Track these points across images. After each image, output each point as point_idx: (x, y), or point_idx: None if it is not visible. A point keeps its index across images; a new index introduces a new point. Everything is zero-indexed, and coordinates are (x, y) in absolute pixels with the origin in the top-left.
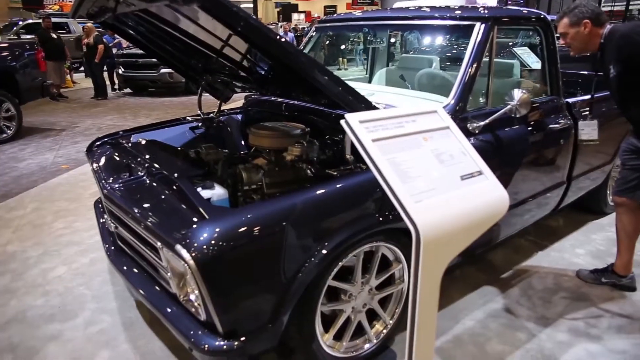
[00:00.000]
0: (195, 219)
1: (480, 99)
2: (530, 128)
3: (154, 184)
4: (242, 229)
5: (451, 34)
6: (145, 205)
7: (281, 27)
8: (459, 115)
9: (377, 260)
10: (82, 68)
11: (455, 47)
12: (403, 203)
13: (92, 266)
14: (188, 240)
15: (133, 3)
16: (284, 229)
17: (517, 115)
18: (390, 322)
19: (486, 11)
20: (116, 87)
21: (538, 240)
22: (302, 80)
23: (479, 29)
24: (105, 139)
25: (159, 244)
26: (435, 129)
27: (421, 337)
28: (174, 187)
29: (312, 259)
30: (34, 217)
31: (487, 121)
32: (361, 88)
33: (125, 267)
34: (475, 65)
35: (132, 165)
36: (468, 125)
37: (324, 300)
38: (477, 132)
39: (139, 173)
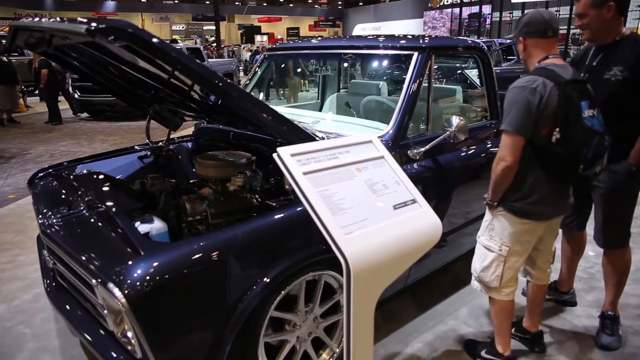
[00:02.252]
0: (129, 256)
1: (421, 125)
2: (470, 152)
3: (93, 219)
4: (177, 264)
5: (394, 62)
6: (82, 241)
7: (244, 48)
8: (399, 142)
9: (320, 288)
10: (37, 92)
11: (400, 74)
12: (332, 235)
13: (35, 302)
14: (121, 278)
15: (68, 37)
16: (221, 262)
17: (456, 141)
18: (337, 349)
19: (424, 41)
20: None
21: None
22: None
23: (417, 58)
24: (49, 170)
25: (93, 281)
26: (370, 159)
27: None
28: (112, 222)
29: (252, 291)
30: None
31: (426, 147)
32: (307, 116)
33: (63, 305)
34: (413, 93)
35: (72, 198)
36: (409, 151)
37: (269, 330)
38: (417, 158)
39: (79, 207)
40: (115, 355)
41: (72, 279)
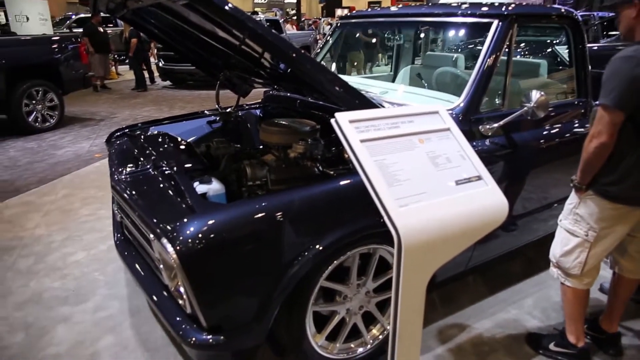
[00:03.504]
0: (184, 213)
1: (497, 99)
2: (551, 132)
3: (156, 177)
4: (230, 225)
5: (474, 32)
6: (143, 197)
7: (323, 21)
8: (471, 116)
9: (374, 262)
10: (127, 60)
11: (479, 45)
12: (386, 206)
13: (109, 253)
14: (174, 234)
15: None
16: (274, 226)
17: (534, 118)
18: (389, 326)
19: (507, 8)
20: (154, 79)
21: None
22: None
23: (496, 26)
24: (125, 130)
25: (151, 235)
26: (434, 130)
27: (403, 350)
28: (173, 181)
29: (303, 257)
30: (64, 203)
31: (500, 123)
32: (377, 86)
33: (129, 257)
34: (490, 64)
35: (141, 157)
36: (480, 127)
37: (320, 300)
38: (489, 134)
39: (146, 166)
40: (161, 300)
41: (135, 232)
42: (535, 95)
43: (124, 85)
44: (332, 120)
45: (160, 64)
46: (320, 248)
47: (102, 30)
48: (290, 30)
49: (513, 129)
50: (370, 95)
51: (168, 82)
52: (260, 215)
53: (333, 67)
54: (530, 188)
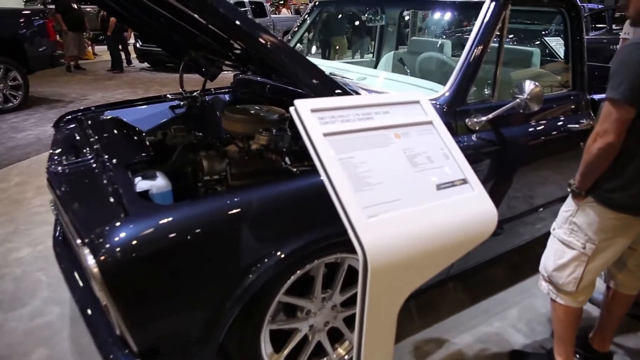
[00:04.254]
0: (115, 216)
1: (486, 90)
2: (543, 127)
3: (94, 171)
4: (169, 230)
5: (462, 12)
6: (76, 194)
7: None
8: (457, 107)
9: (342, 273)
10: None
11: (467, 33)
12: (350, 217)
13: None
14: (97, 242)
15: None
16: (225, 231)
17: (527, 112)
18: None
19: None
20: (131, 61)
21: None
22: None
23: (487, 7)
24: (78, 114)
25: (77, 240)
26: (414, 123)
27: None
28: (111, 176)
29: (258, 268)
30: (16, 192)
31: (489, 116)
32: (354, 72)
33: (64, 258)
34: (480, 50)
35: (84, 146)
36: (467, 120)
37: (281, 314)
38: (477, 128)
39: (87, 156)
40: (99, 327)
41: (68, 234)
42: (529, 86)
43: (100, 66)
44: (291, 109)
45: (138, 45)
46: (282, 256)
47: (76, 7)
48: (285, 14)
49: (503, 123)
50: (346, 81)
51: (146, 64)
52: (207, 218)
53: (313, 51)
54: (518, 189)
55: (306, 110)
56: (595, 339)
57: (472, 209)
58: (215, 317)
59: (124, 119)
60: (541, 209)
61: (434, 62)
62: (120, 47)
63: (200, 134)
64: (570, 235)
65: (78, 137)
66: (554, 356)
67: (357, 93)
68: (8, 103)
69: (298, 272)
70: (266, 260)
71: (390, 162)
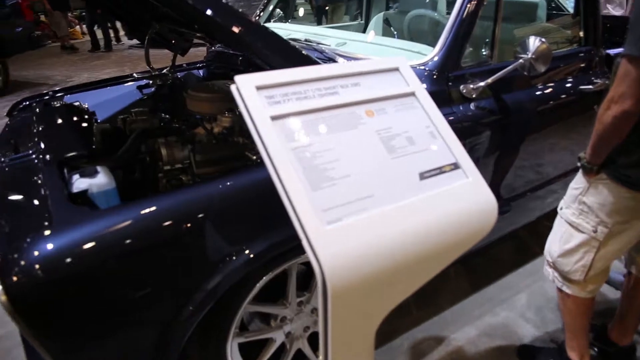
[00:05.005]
0: (36, 226)
1: (484, 50)
2: (551, 90)
3: (30, 169)
4: (103, 242)
5: None
6: (2, 197)
7: None
8: (449, 72)
9: None
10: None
11: None
12: (303, 225)
13: None
14: (7, 261)
15: None
16: (169, 240)
17: (533, 73)
18: None
19: None
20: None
21: None
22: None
23: None
24: (33, 101)
25: None
26: (390, 96)
27: None
28: (44, 174)
29: (213, 279)
30: None
31: (489, 81)
32: (334, 37)
33: None
34: (475, 3)
35: (30, 139)
36: (462, 87)
37: (255, 321)
38: (474, 95)
39: (29, 151)
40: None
41: None
42: (534, 43)
43: (88, 46)
44: (232, 87)
45: None
46: (252, 256)
47: None
48: None
49: (504, 88)
50: (323, 47)
51: (135, 41)
52: (147, 225)
53: (301, 15)
54: (525, 161)
55: (249, 88)
56: (615, 331)
57: (466, 200)
58: (167, 338)
59: (85, 104)
60: (552, 181)
61: (423, 21)
62: (109, 24)
63: (167, 116)
64: (579, 217)
65: (24, 129)
66: (566, 351)
67: (335, 61)
68: None
69: (264, 277)
70: (228, 263)
71: (360, 148)
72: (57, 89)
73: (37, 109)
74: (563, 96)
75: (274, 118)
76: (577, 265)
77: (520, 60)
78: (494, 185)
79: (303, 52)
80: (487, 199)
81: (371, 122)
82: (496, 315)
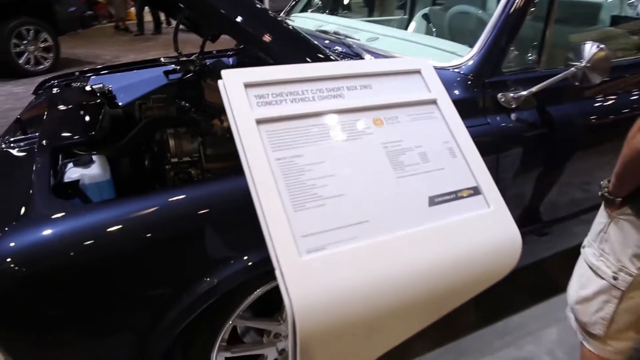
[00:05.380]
0: (11, 218)
1: (530, 54)
2: (608, 105)
3: (26, 152)
4: (69, 242)
5: None
6: None
7: None
8: (486, 78)
9: None
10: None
11: None
12: (276, 250)
13: None
14: None
15: None
16: (148, 246)
17: (586, 84)
18: None
19: None
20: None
21: None
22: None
23: None
24: (59, 81)
25: None
26: (406, 102)
27: None
28: (37, 161)
29: (196, 291)
30: None
31: (533, 89)
32: (366, 30)
33: None
34: (523, 0)
35: (39, 121)
36: (500, 95)
37: (249, 334)
38: (513, 105)
39: (35, 134)
40: None
41: None
42: (591, 49)
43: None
44: (219, 82)
45: None
46: (250, 263)
47: None
48: None
49: (551, 98)
50: (351, 42)
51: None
52: (136, 226)
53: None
54: (571, 182)
55: (236, 85)
56: None
57: (483, 234)
58: (145, 346)
59: (109, 86)
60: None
61: (466, 18)
62: None
63: (187, 105)
64: (599, 259)
65: (40, 109)
66: None
67: (361, 57)
68: (39, 65)
69: (258, 290)
70: (222, 269)
71: (360, 162)
72: (85, 69)
73: (56, 90)
74: (622, 111)
75: (260, 121)
76: (596, 317)
77: (573, 69)
78: (531, 205)
79: (314, 43)
80: (510, 233)
81: (379, 132)
82: (520, 348)
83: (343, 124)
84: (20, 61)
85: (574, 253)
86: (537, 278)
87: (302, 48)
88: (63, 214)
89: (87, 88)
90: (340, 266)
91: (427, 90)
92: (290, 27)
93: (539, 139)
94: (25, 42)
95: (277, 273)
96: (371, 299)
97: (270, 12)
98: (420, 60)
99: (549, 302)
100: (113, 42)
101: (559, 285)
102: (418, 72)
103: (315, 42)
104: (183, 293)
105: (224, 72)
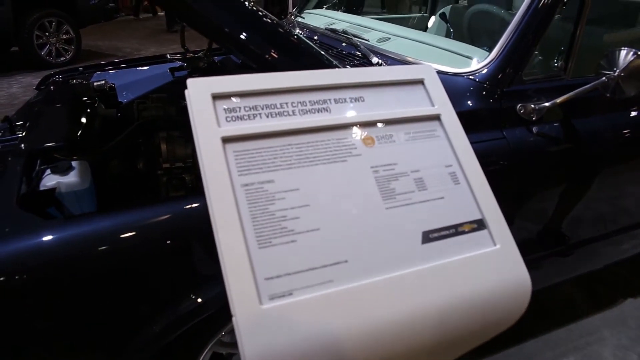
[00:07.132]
0: None
1: (555, 60)
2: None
3: (2, 156)
4: (25, 261)
5: None
6: None
7: None
8: (505, 87)
9: None
10: None
11: None
12: (232, 295)
13: None
14: None
15: None
16: (116, 269)
17: (619, 97)
18: None
19: None
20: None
21: None
22: None
23: None
24: (61, 77)
25: None
26: (405, 118)
27: None
28: (14, 167)
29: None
30: None
31: (557, 100)
32: (379, 30)
33: None
34: (548, 1)
35: (25, 119)
36: (520, 106)
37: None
38: (534, 118)
39: (17, 133)
40: None
41: None
42: (626, 56)
43: (164, 20)
44: (186, 92)
45: None
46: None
47: None
48: None
49: (578, 111)
50: (359, 42)
51: None
52: (92, 244)
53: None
54: (599, 202)
55: (202, 96)
56: None
57: (487, 278)
58: None
59: (112, 83)
60: (627, 229)
61: (487, 19)
62: None
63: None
64: None
65: (32, 107)
66: None
67: (370, 60)
68: (60, 57)
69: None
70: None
71: (343, 190)
72: (90, 64)
73: (51, 86)
74: None
75: (227, 140)
76: None
77: (604, 78)
78: (552, 225)
79: (313, 48)
80: (519, 276)
81: (368, 153)
82: None
83: (326, 144)
84: (42, 53)
85: (596, 276)
86: (549, 304)
87: (293, 54)
88: (24, 230)
89: (87, 85)
90: (309, 317)
91: (430, 104)
92: (283, 29)
93: (563, 155)
94: (47, 34)
95: (234, 321)
96: (345, 359)
97: (260, 11)
98: (424, 67)
99: (567, 327)
100: (135, 34)
101: (579, 310)
102: (421, 82)
103: (315, 46)
104: (159, 318)
105: (189, 81)
